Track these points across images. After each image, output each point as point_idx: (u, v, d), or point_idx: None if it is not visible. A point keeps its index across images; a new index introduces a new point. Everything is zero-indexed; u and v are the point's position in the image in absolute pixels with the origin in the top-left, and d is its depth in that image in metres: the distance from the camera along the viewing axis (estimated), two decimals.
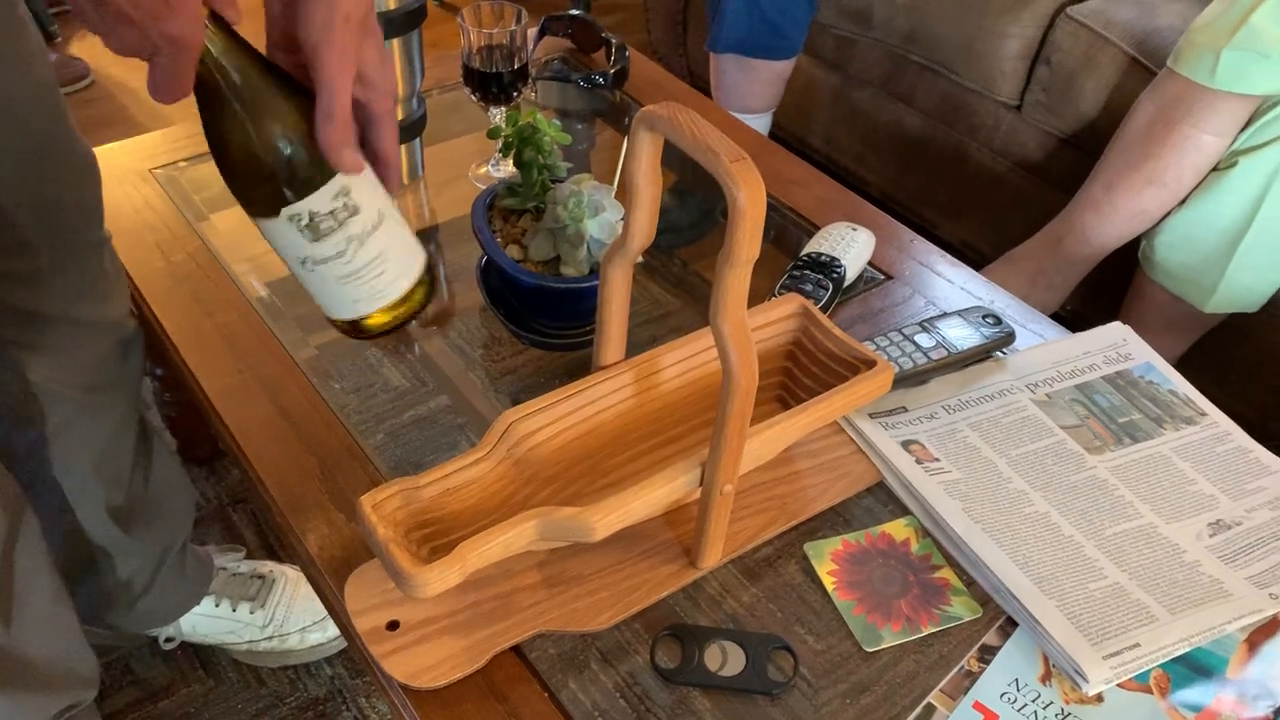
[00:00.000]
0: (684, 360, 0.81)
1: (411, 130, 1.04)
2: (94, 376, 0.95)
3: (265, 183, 0.64)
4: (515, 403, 0.90)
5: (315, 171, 0.63)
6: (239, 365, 0.89)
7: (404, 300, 0.71)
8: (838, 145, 1.99)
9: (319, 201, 0.64)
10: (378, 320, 0.71)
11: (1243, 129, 1.28)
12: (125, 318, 0.97)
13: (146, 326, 0.98)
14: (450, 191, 1.14)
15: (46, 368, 0.90)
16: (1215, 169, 1.31)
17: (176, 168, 1.14)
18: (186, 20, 0.54)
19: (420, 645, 0.68)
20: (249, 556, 1.28)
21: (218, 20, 0.58)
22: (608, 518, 0.67)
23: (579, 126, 1.32)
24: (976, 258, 1.69)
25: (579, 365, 0.94)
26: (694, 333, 0.83)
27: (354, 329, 0.72)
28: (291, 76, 0.63)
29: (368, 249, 0.67)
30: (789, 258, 1.03)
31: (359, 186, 0.66)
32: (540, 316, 0.92)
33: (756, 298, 0.98)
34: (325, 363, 0.91)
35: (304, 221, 0.64)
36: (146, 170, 1.12)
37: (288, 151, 0.62)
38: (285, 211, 0.64)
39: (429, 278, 0.73)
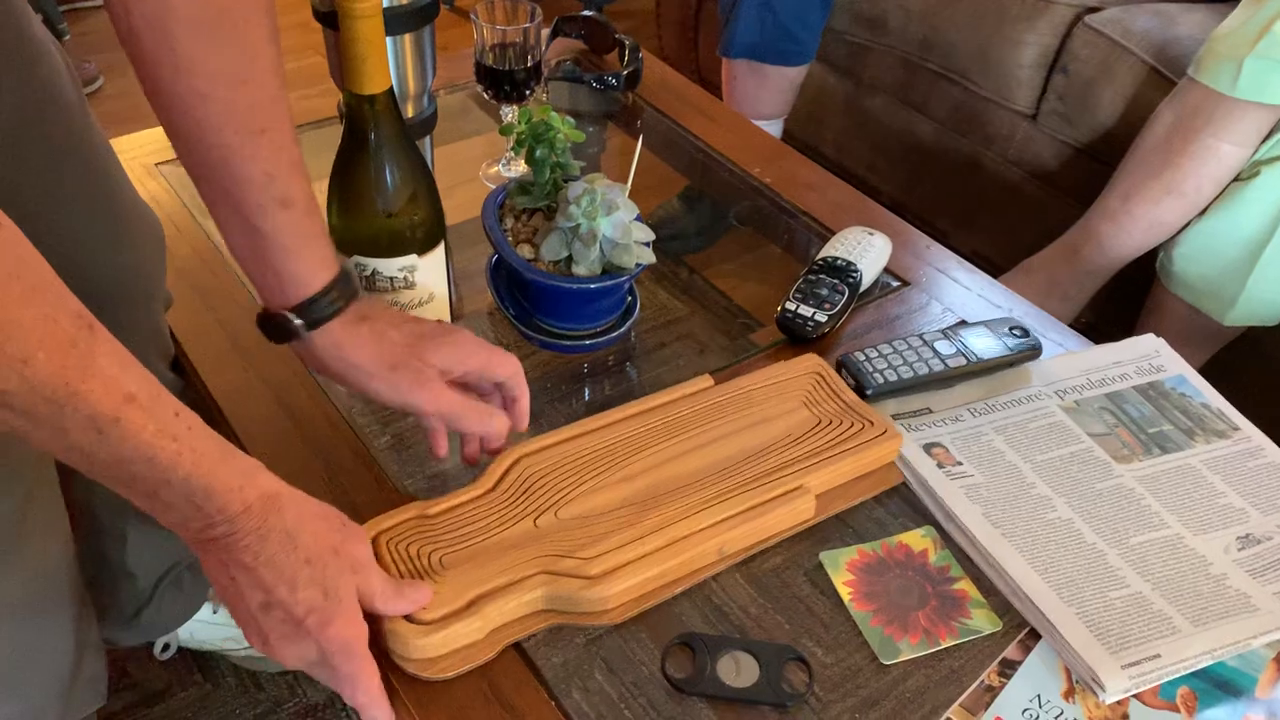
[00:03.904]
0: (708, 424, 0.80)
1: (422, 128, 1.02)
2: None
3: (355, 227, 0.76)
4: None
5: (395, 243, 0.76)
6: (244, 364, 0.87)
7: None
8: (849, 153, 1.98)
9: (385, 266, 0.77)
10: None
11: (1265, 139, 1.26)
12: (166, 370, 0.97)
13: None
14: (461, 192, 1.13)
15: None
16: (1236, 179, 1.29)
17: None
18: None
19: (430, 637, 0.66)
20: None
21: (390, 95, 0.72)
22: (617, 589, 0.68)
23: (590, 129, 1.31)
24: (989, 267, 1.67)
25: (588, 367, 0.93)
26: (727, 386, 0.83)
27: None
28: (424, 165, 0.77)
29: None
30: (802, 263, 1.01)
31: (425, 268, 0.79)
32: (550, 317, 0.90)
33: (771, 303, 0.97)
34: None
35: (365, 273, 0.77)
36: (152, 164, 1.10)
37: (386, 217, 0.75)
38: (355, 258, 0.77)
39: None
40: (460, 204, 1.12)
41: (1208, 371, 0.90)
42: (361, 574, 0.59)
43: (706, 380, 0.82)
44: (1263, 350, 1.41)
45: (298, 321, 0.65)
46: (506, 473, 0.73)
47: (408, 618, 0.64)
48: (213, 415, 0.86)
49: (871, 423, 0.80)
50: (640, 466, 0.75)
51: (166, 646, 1.17)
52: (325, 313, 0.66)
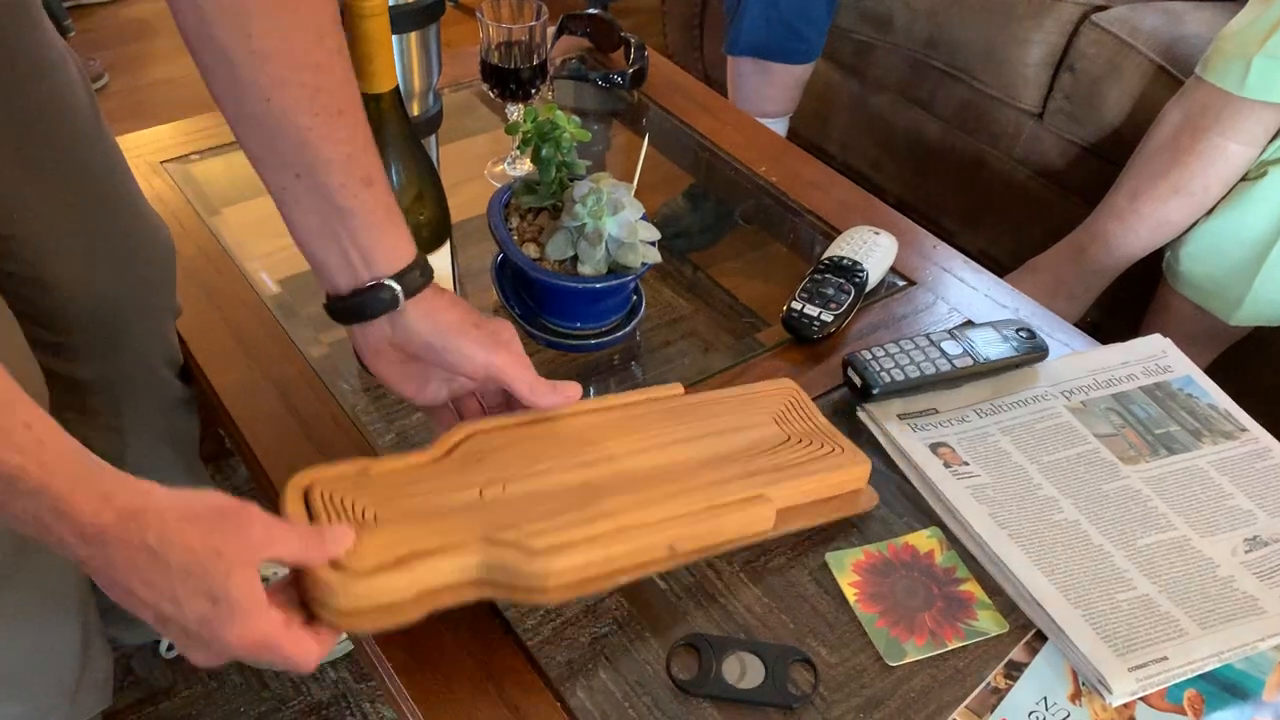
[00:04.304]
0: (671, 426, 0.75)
1: (428, 126, 1.02)
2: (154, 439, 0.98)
3: None
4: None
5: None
6: (249, 362, 0.87)
7: None
8: (855, 151, 1.97)
9: None
10: None
11: (1272, 138, 1.25)
12: (174, 378, 0.98)
13: None
14: (466, 190, 1.13)
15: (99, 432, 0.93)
16: (1243, 179, 1.29)
17: (189, 160, 1.12)
18: None
19: (355, 584, 0.60)
20: None
21: (396, 94, 0.73)
22: (559, 565, 0.62)
23: (596, 127, 1.31)
24: (994, 266, 1.67)
25: (593, 366, 0.93)
26: (698, 395, 0.79)
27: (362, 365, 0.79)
28: (430, 164, 0.79)
29: None
30: (808, 263, 1.01)
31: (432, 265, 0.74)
32: (556, 316, 0.90)
33: (777, 302, 0.97)
34: (336, 361, 0.89)
35: None
36: (158, 163, 1.10)
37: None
38: None
39: None
40: (465, 201, 1.11)
41: (1214, 370, 0.90)
42: (263, 551, 0.54)
43: (678, 388, 0.78)
44: (1270, 349, 1.41)
45: (398, 288, 0.65)
46: (459, 445, 0.69)
47: (333, 564, 0.59)
48: (219, 413, 0.86)
49: (842, 448, 0.77)
50: (597, 456, 0.71)
51: (171, 645, 1.17)
52: (420, 281, 0.66)
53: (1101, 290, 1.44)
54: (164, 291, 0.94)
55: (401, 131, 0.74)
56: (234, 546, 0.53)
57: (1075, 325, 0.96)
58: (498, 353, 0.66)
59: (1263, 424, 0.86)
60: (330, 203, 0.63)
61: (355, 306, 0.66)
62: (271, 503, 0.79)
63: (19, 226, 0.81)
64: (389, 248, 0.65)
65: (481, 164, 1.19)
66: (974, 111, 1.71)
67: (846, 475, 0.76)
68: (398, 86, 0.72)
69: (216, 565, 0.52)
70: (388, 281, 0.65)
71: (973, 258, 1.07)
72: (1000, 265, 1.67)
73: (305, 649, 0.56)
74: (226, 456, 1.43)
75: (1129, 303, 1.50)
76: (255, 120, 0.61)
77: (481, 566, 0.62)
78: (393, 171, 0.75)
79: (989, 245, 1.76)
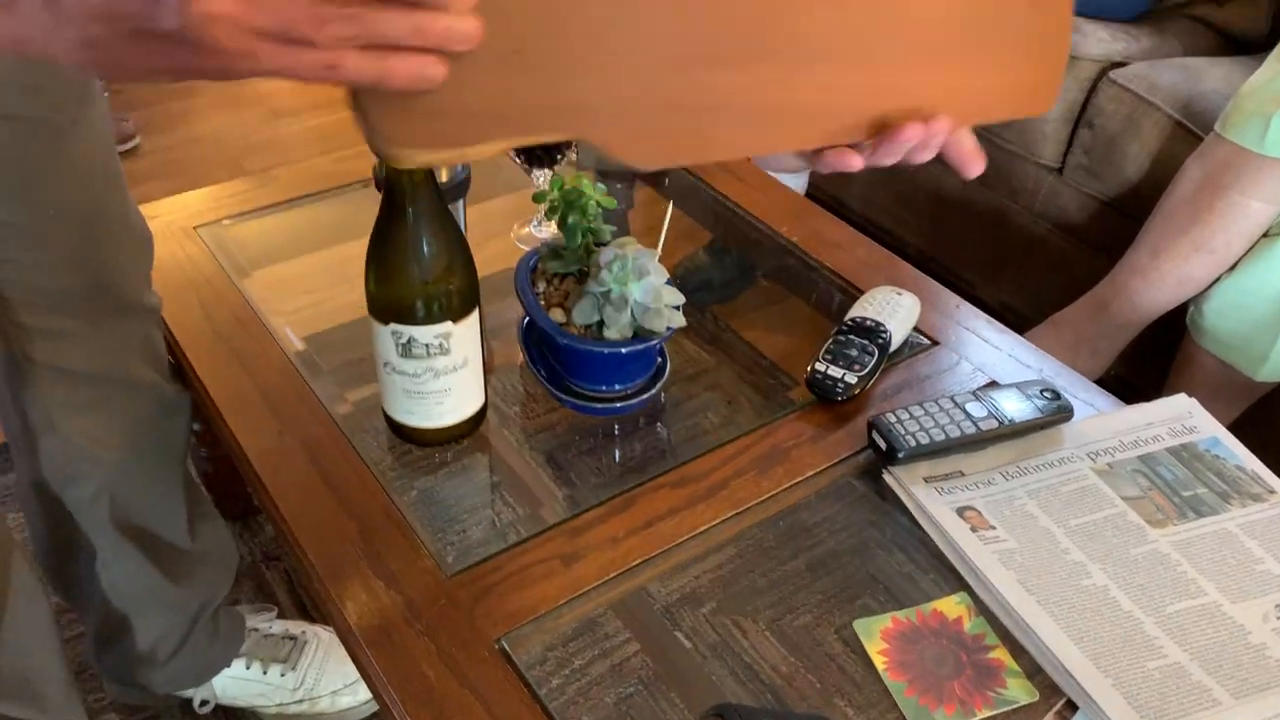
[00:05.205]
0: None
1: (456, 191, 1.04)
2: (134, 438, 0.94)
3: (393, 296, 0.78)
4: (551, 462, 0.90)
5: (432, 311, 0.78)
6: (279, 425, 0.89)
7: (447, 429, 0.86)
8: (875, 205, 1.99)
9: (422, 333, 0.79)
10: (418, 432, 0.86)
11: None
12: (166, 380, 0.97)
13: (189, 384, 0.98)
14: (492, 246, 1.14)
15: (87, 428, 0.90)
16: (1265, 235, 1.29)
17: (221, 225, 1.15)
18: None
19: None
20: (281, 615, 1.26)
21: (433, 181, 0.74)
22: None
23: (619, 186, 1.32)
24: (1016, 320, 1.67)
25: (618, 426, 0.93)
26: None
27: (396, 428, 0.87)
28: (460, 235, 0.79)
29: (440, 382, 0.82)
30: (830, 321, 1.02)
31: (460, 334, 0.80)
32: (582, 380, 0.91)
33: (800, 360, 0.97)
34: (361, 418, 0.90)
35: (402, 340, 0.79)
36: (191, 227, 1.13)
37: (423, 286, 0.77)
38: (393, 325, 0.78)
39: (477, 419, 0.87)
40: (491, 257, 1.13)
41: (1242, 425, 0.90)
42: None
43: None
44: None
45: None
46: None
47: None
48: (251, 480, 0.87)
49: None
50: None
51: (205, 701, 1.18)
52: None
53: (1125, 345, 1.44)
54: (136, 284, 0.92)
55: (432, 204, 0.75)
56: None
57: (1099, 381, 0.96)
58: None
59: None
60: None
61: None
62: (298, 563, 0.80)
63: None
64: None
65: (508, 223, 1.20)
66: (993, 166, 1.71)
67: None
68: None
69: None
70: None
71: (994, 311, 1.07)
72: (1022, 318, 1.67)
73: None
74: (254, 514, 1.44)
75: (1153, 357, 1.50)
76: None
77: None
78: (424, 242, 0.76)
79: (1011, 298, 1.76)
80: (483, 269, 0.84)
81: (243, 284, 1.05)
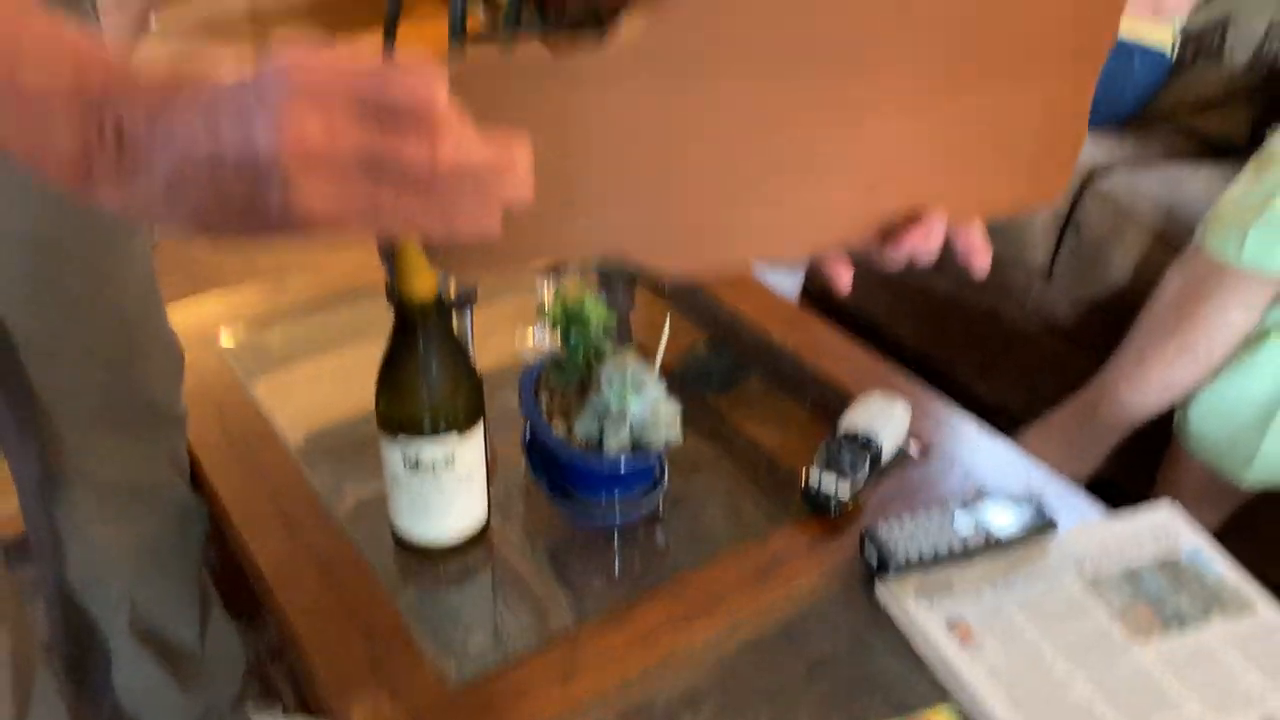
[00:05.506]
0: None
1: (464, 301, 1.08)
2: (156, 545, 0.98)
3: (402, 415, 0.81)
4: (553, 568, 0.93)
5: (439, 428, 0.81)
6: (289, 534, 0.91)
7: (451, 540, 0.88)
8: (871, 301, 2.03)
9: (429, 450, 0.82)
10: (424, 543, 0.89)
11: (1272, 304, 1.30)
12: (187, 486, 1.01)
13: (203, 490, 1.01)
14: (497, 343, 1.19)
15: (114, 536, 0.94)
16: (1246, 343, 1.33)
17: (238, 331, 1.19)
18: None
19: None
20: (286, 711, 1.27)
21: (440, 304, 0.79)
22: None
23: (620, 286, 1.37)
24: (1008, 417, 1.71)
25: (617, 533, 0.96)
26: None
27: (403, 538, 0.89)
28: (467, 358, 0.83)
29: (444, 496, 0.85)
30: (823, 424, 1.05)
31: (464, 451, 0.83)
32: (583, 490, 0.94)
33: (795, 448, 1.00)
34: (369, 527, 0.93)
35: (410, 455, 0.83)
36: (209, 334, 1.17)
37: (431, 407, 0.81)
38: (401, 439, 0.82)
39: (480, 529, 0.90)
40: (497, 353, 1.18)
41: (1231, 526, 0.92)
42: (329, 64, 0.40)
43: None
44: None
45: None
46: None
47: None
48: (263, 595, 0.89)
49: None
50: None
51: None
52: None
53: (1113, 446, 1.47)
54: (168, 397, 0.96)
55: (440, 333, 0.80)
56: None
57: (1089, 481, 0.99)
58: None
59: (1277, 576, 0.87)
60: None
61: None
62: (304, 672, 0.82)
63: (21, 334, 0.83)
64: None
65: (513, 324, 1.25)
66: None
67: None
68: (440, 293, 0.78)
69: (258, 77, 0.40)
70: None
71: (987, 408, 1.11)
72: (1015, 416, 1.70)
73: (433, 73, 0.40)
74: (261, 610, 1.45)
75: (1143, 457, 1.53)
76: None
77: None
78: (432, 367, 0.80)
79: (1004, 396, 1.80)
80: (487, 362, 0.88)
81: (258, 392, 1.09)
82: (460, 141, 0.41)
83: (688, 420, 1.08)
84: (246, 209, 0.41)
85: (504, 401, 1.07)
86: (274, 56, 0.40)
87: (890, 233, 0.60)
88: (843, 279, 0.63)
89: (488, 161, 0.42)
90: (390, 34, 3.05)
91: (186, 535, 1.02)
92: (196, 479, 1.01)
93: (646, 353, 1.19)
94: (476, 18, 2.93)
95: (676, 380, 0.97)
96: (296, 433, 1.04)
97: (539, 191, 0.45)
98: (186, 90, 0.41)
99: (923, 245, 0.61)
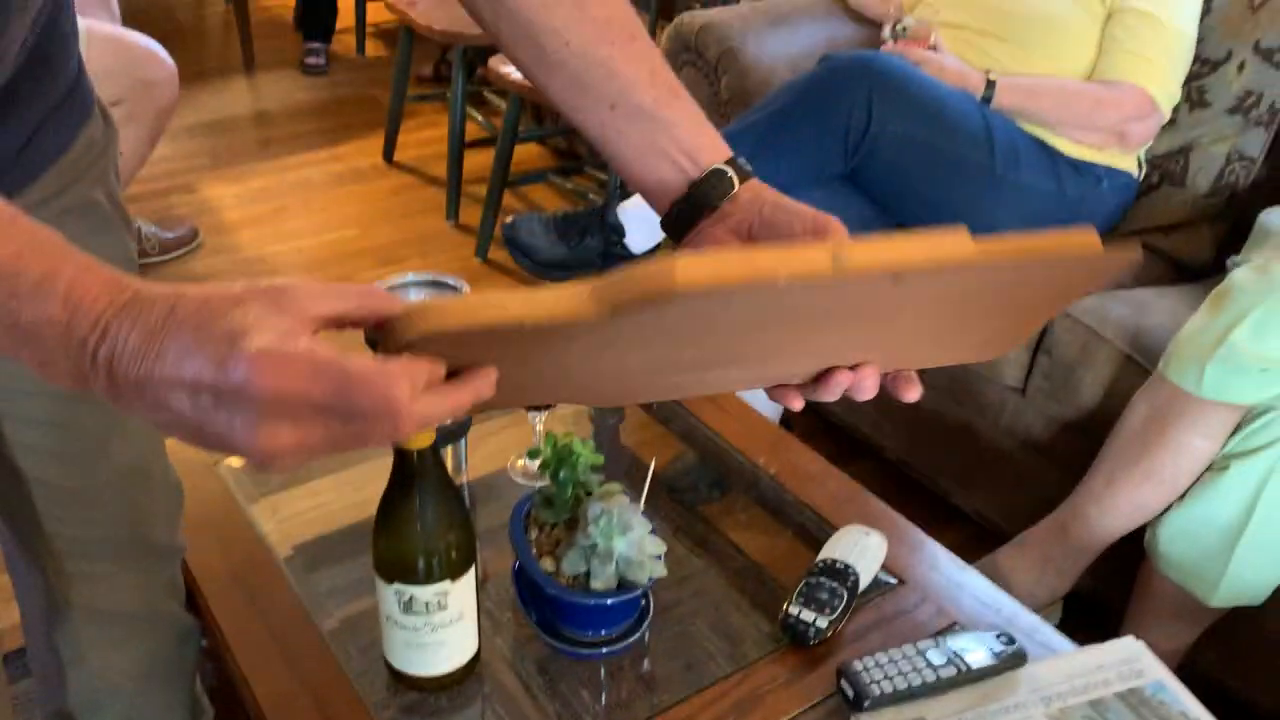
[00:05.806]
0: None
1: (457, 433, 1.13)
2: (153, 667, 1.01)
3: (397, 560, 0.86)
4: (541, 671, 0.97)
5: (432, 572, 0.86)
6: (289, 670, 0.95)
7: (443, 676, 0.92)
8: (856, 412, 2.08)
9: (422, 592, 0.86)
10: (418, 679, 0.93)
11: (1233, 433, 1.36)
12: (183, 610, 1.04)
13: (201, 617, 1.04)
14: (486, 449, 1.24)
15: (114, 661, 0.97)
16: (1210, 469, 1.38)
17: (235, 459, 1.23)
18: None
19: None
20: None
21: (436, 454, 0.84)
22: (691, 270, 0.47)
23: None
24: (988, 527, 1.75)
25: (604, 666, 1.00)
26: None
27: (397, 673, 0.93)
28: (461, 504, 0.89)
29: (436, 635, 0.89)
30: (806, 550, 1.09)
31: (456, 593, 0.88)
32: (570, 625, 0.98)
33: (782, 555, 1.04)
34: (365, 661, 0.97)
35: (404, 598, 0.87)
36: (210, 463, 1.21)
37: (425, 553, 0.85)
38: (396, 584, 0.86)
39: (471, 664, 0.93)
40: (486, 460, 1.23)
41: (1203, 635, 0.94)
42: (314, 307, 0.48)
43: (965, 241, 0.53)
44: (1260, 623, 1.45)
45: (730, 171, 0.67)
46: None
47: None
48: (256, 717, 0.92)
49: None
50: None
51: None
52: (747, 169, 0.69)
53: (1087, 565, 1.51)
54: (169, 533, 0.99)
55: (435, 478, 0.84)
56: (272, 304, 0.47)
57: (1064, 597, 1.02)
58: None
59: (1250, 690, 0.90)
60: (650, 118, 0.67)
61: (697, 198, 0.68)
62: None
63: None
64: (710, 144, 0.69)
65: (506, 450, 1.29)
66: (962, 385, 1.83)
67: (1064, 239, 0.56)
68: (435, 442, 0.83)
69: (244, 309, 0.46)
70: (719, 167, 0.68)
71: (968, 516, 1.15)
72: (994, 525, 1.75)
73: (393, 375, 0.47)
74: None
75: (1121, 572, 1.57)
76: (560, 66, 0.67)
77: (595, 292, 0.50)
78: (429, 511, 0.85)
79: (983, 506, 1.84)
80: (478, 470, 0.91)
81: (259, 522, 1.13)
82: (424, 410, 0.49)
83: (676, 529, 1.13)
84: (224, 450, 0.49)
85: (495, 514, 1.12)
86: (244, 350, 0.45)
87: (822, 376, 0.65)
88: (794, 405, 0.68)
89: (452, 410, 0.51)
90: (391, 139, 3.16)
91: (183, 655, 1.06)
92: (194, 602, 1.05)
93: (636, 465, 1.24)
94: (476, 123, 3.03)
95: (665, 488, 1.01)
96: (296, 554, 1.08)
97: (502, 381, 0.53)
98: (171, 335, 0.47)
99: (854, 389, 0.66)
